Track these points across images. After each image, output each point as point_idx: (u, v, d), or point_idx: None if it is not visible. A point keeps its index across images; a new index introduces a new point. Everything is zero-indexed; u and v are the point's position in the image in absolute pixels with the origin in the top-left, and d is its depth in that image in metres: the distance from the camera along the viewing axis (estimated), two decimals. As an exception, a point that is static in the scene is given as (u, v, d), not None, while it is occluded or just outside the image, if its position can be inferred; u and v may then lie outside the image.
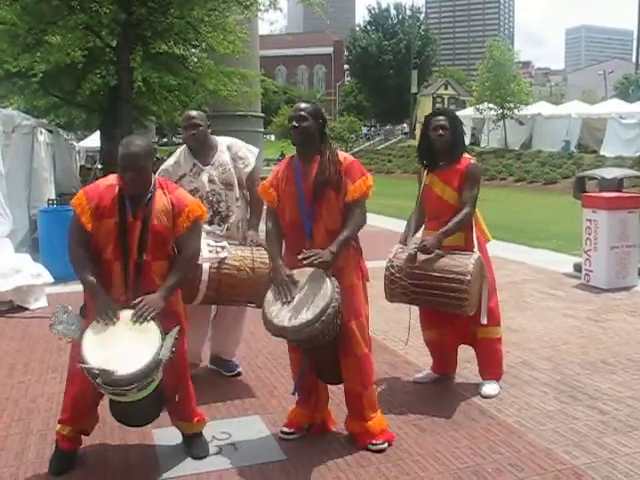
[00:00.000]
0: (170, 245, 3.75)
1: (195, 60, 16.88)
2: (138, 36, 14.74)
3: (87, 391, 3.55)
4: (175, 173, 4.84)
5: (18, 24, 13.23)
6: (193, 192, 4.74)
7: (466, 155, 4.67)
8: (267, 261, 4.56)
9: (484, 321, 4.59)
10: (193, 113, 4.90)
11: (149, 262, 3.64)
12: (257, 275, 4.55)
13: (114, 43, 14.67)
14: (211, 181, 4.82)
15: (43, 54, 12.99)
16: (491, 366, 4.81)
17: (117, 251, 3.61)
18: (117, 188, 3.64)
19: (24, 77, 14.12)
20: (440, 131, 4.56)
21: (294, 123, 3.90)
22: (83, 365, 3.27)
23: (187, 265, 3.79)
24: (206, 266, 4.47)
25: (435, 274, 4.33)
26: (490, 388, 4.72)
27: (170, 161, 4.98)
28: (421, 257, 4.45)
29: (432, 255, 4.41)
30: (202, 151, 4.86)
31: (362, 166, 4.02)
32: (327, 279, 3.71)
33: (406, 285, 4.48)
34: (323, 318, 3.58)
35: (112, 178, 3.72)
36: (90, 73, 14.91)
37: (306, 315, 3.61)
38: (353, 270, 3.94)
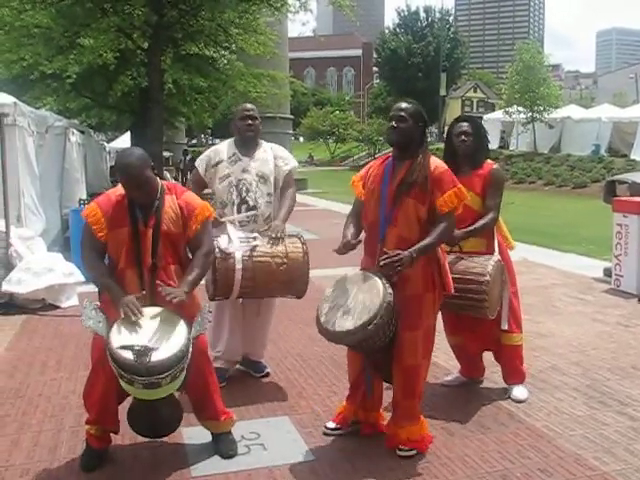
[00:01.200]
0: (182, 249, 3.81)
1: (225, 62, 16.98)
2: (169, 38, 14.87)
3: (111, 391, 3.60)
4: (215, 158, 4.95)
5: (53, 27, 13.43)
6: (224, 177, 4.86)
7: (489, 161, 4.67)
8: (301, 248, 4.59)
9: (504, 326, 4.58)
10: (250, 106, 5.04)
11: (163, 267, 3.70)
12: (291, 260, 4.57)
13: (145, 45, 14.81)
14: (245, 171, 4.87)
15: (76, 56, 13.16)
16: (515, 372, 4.77)
17: (130, 259, 3.67)
18: (127, 198, 3.71)
19: (58, 79, 14.32)
20: (463, 137, 4.57)
21: (393, 123, 3.85)
22: (120, 349, 3.30)
23: (204, 261, 3.81)
24: (238, 255, 4.49)
25: (454, 276, 4.32)
26: (520, 392, 4.70)
27: (213, 148, 5.10)
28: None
29: (451, 259, 4.40)
30: (247, 144, 4.94)
31: (454, 176, 3.89)
32: (381, 290, 3.63)
33: None
34: (363, 331, 3.55)
35: (121, 188, 3.76)
36: (121, 75, 15.10)
37: (348, 324, 3.61)
38: (420, 280, 3.80)
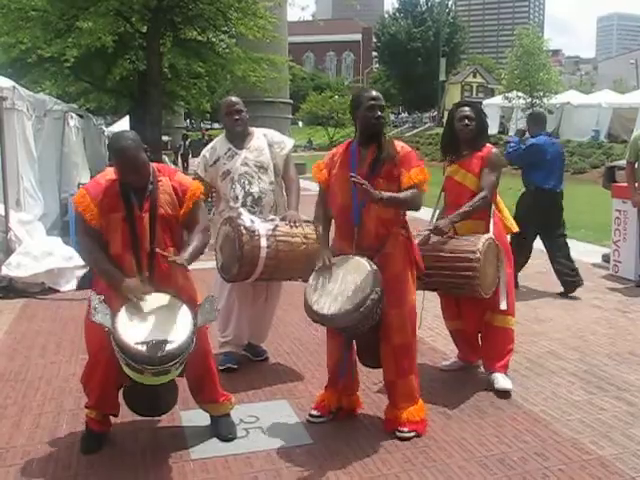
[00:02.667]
0: (178, 230, 3.80)
1: (224, 46, 16.94)
2: (168, 22, 14.84)
3: (111, 377, 3.61)
4: (211, 158, 4.95)
5: (50, 10, 13.38)
6: (225, 174, 4.84)
7: (488, 145, 4.72)
8: (314, 232, 4.63)
9: (503, 306, 4.56)
10: (235, 99, 4.98)
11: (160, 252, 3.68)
12: (309, 241, 4.60)
13: (144, 29, 14.78)
14: (244, 164, 4.86)
15: (74, 39, 13.13)
16: (502, 356, 4.68)
17: (127, 244, 3.64)
18: (118, 182, 3.66)
19: (56, 62, 14.30)
20: (466, 121, 4.62)
21: (378, 112, 3.90)
22: (134, 344, 3.30)
23: (202, 237, 3.77)
24: (263, 231, 4.49)
25: (445, 254, 4.34)
26: (505, 381, 4.58)
27: (208, 147, 5.08)
28: (433, 239, 4.47)
29: (443, 238, 4.43)
30: (238, 137, 4.93)
31: (417, 155, 4.01)
32: (370, 269, 3.71)
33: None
34: (361, 309, 3.61)
35: (111, 172, 3.73)
36: (120, 58, 15.07)
37: (344, 305, 3.65)
38: (400, 258, 3.91)
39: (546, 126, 7.42)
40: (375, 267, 3.74)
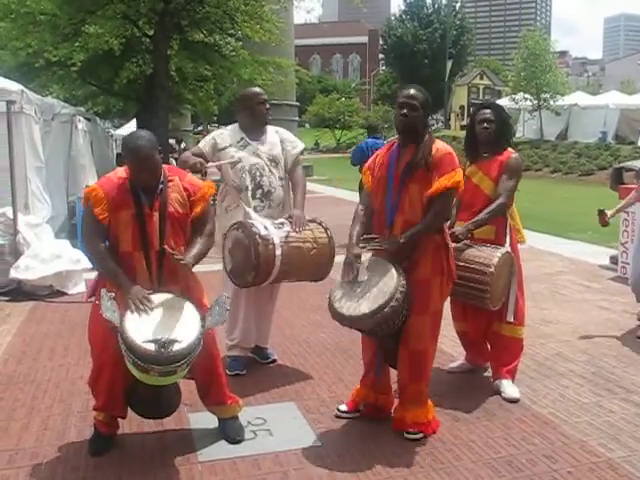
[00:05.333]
0: (187, 230, 3.79)
1: (231, 49, 16.96)
2: (175, 25, 14.87)
3: (118, 380, 3.61)
4: (222, 143, 4.89)
5: (58, 14, 13.44)
6: (235, 162, 4.81)
7: (510, 149, 4.65)
8: (325, 233, 4.65)
9: (510, 319, 4.55)
10: (261, 89, 5.04)
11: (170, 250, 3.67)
12: (320, 245, 4.62)
13: (151, 32, 14.81)
14: (257, 155, 4.84)
15: (82, 43, 13.18)
16: (510, 365, 4.66)
17: (137, 242, 3.63)
18: (129, 180, 3.66)
19: (63, 66, 14.35)
20: (485, 124, 4.56)
21: (404, 111, 3.83)
22: (142, 343, 3.30)
23: (207, 240, 3.80)
24: (277, 240, 4.48)
25: (460, 263, 4.31)
26: (513, 390, 4.55)
27: (218, 132, 5.05)
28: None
29: (460, 245, 4.41)
30: (253, 129, 4.92)
31: (455, 159, 3.87)
32: (395, 274, 3.69)
33: None
34: (378, 315, 3.61)
35: (122, 170, 3.74)
36: (127, 62, 15.11)
37: (363, 308, 3.66)
38: (429, 264, 3.84)
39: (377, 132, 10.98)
40: (401, 272, 3.72)
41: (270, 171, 4.87)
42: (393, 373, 4.13)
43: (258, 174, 4.83)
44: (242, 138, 4.89)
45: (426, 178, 3.79)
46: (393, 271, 3.72)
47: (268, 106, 4.96)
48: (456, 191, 3.88)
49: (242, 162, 4.82)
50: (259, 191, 4.82)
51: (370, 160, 4.14)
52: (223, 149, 4.87)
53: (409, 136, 3.88)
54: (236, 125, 5.01)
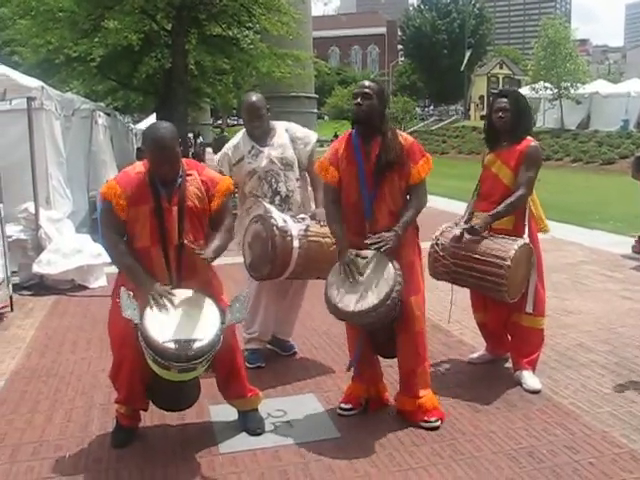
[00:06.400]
0: (206, 224, 3.80)
1: (249, 42, 16.98)
2: (192, 19, 14.91)
3: (138, 373, 3.63)
4: (234, 156, 4.88)
5: (77, 11, 13.53)
6: (251, 173, 4.80)
7: (529, 138, 4.58)
8: None
9: (529, 310, 4.52)
10: (254, 100, 4.81)
11: (188, 244, 3.66)
12: None
13: (169, 26, 14.86)
14: (270, 161, 4.82)
15: (101, 39, 13.27)
16: (530, 356, 4.63)
17: (155, 237, 3.63)
18: (147, 175, 3.66)
19: (83, 62, 14.45)
20: (500, 113, 4.51)
21: (358, 100, 3.89)
22: (162, 341, 3.32)
23: (226, 236, 3.79)
24: (295, 232, 4.49)
25: (476, 256, 4.29)
26: (534, 381, 4.52)
27: (230, 144, 5.00)
28: (466, 237, 4.43)
29: (477, 237, 4.38)
30: (262, 134, 4.87)
31: (420, 146, 4.04)
32: (389, 262, 3.75)
33: (448, 264, 4.49)
34: (388, 302, 3.65)
35: (140, 165, 3.75)
36: (146, 57, 15.19)
37: (371, 300, 3.67)
38: (411, 247, 3.98)
39: None
40: (394, 259, 3.79)
41: (285, 175, 4.85)
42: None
43: (274, 180, 4.82)
44: (253, 147, 4.84)
45: (401, 168, 3.89)
46: (385, 259, 3.78)
47: (257, 122, 4.79)
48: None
49: (257, 172, 4.80)
50: (277, 197, 4.82)
51: (330, 155, 4.07)
52: (237, 163, 4.85)
53: (367, 127, 3.92)
54: (245, 132, 4.95)
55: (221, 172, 4.87)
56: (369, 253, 3.86)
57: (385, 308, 3.66)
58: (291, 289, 5.06)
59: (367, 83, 3.99)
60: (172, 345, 3.31)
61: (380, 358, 4.25)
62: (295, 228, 4.50)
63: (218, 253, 3.67)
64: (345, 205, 4.01)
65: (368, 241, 3.81)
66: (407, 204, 3.95)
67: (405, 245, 3.92)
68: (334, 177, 4.01)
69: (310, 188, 5.06)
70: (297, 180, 4.91)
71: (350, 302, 3.73)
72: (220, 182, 3.80)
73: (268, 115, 4.88)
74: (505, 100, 4.55)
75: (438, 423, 3.92)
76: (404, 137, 3.99)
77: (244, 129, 4.98)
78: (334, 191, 4.04)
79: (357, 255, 3.86)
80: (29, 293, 7.40)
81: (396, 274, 3.71)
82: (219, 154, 5.06)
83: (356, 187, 3.92)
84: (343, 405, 4.17)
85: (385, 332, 3.97)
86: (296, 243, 4.46)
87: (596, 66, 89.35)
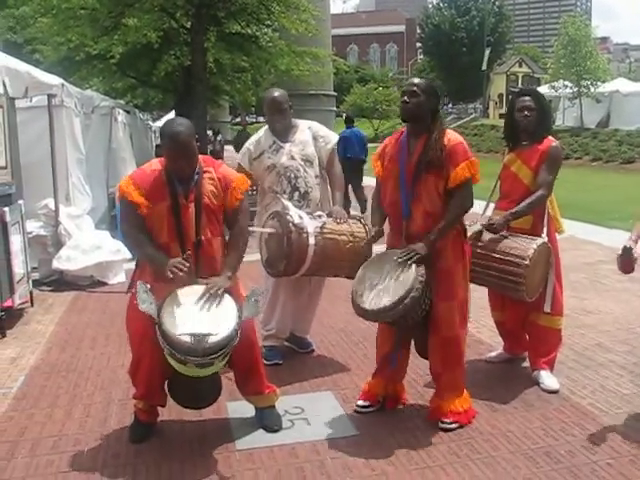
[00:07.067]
0: (222, 221, 3.82)
1: (267, 39, 16.99)
2: (212, 17, 14.93)
3: (157, 369, 3.65)
4: (255, 151, 4.92)
5: (98, 8, 13.60)
6: (270, 168, 4.83)
7: (550, 137, 4.55)
8: (363, 228, 4.64)
9: (547, 309, 4.50)
10: (276, 95, 4.87)
11: (207, 240, 3.70)
12: (357, 239, 4.60)
13: (188, 24, 14.90)
14: (290, 157, 4.84)
15: (120, 36, 13.33)
16: (547, 355, 4.61)
17: (173, 233, 3.65)
18: (164, 172, 3.68)
19: (103, 59, 14.52)
20: (525, 112, 4.46)
21: (405, 98, 3.85)
22: (178, 335, 3.34)
23: (242, 240, 3.83)
24: (311, 229, 4.49)
25: (494, 255, 4.27)
26: (551, 381, 4.50)
27: (252, 139, 5.04)
28: (486, 236, 4.40)
29: (496, 235, 4.37)
30: (281, 131, 4.90)
31: (467, 148, 3.89)
32: (413, 267, 3.70)
33: None
34: (400, 306, 3.62)
35: (156, 162, 3.77)
36: (165, 54, 15.23)
37: (384, 301, 3.66)
38: (451, 252, 3.87)
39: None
40: (420, 264, 3.73)
41: (305, 171, 4.86)
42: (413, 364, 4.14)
43: (293, 176, 4.83)
44: (274, 142, 4.88)
45: (440, 170, 3.79)
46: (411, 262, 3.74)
47: (278, 117, 4.83)
48: (475, 179, 3.85)
49: (277, 167, 4.82)
50: (296, 193, 4.83)
51: (380, 149, 4.11)
52: (259, 156, 4.89)
53: (415, 124, 3.88)
54: (267, 127, 5.00)
55: (239, 166, 4.91)
56: (390, 252, 3.87)
57: (398, 311, 3.63)
58: (309, 287, 5.06)
59: (416, 80, 3.90)
60: (188, 338, 3.33)
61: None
62: (311, 225, 4.51)
63: (236, 267, 3.78)
64: (386, 203, 4.01)
65: (397, 257, 3.76)
66: (445, 209, 3.83)
67: (442, 250, 3.84)
68: (379, 171, 4.05)
69: (329, 188, 5.06)
70: (316, 177, 4.91)
71: (367, 299, 3.74)
72: (236, 180, 3.81)
73: (290, 112, 4.90)
74: (529, 98, 4.51)
75: (453, 426, 3.89)
76: (450, 137, 3.85)
77: (267, 125, 5.01)
78: (377, 184, 4.11)
79: (377, 235, 3.94)
80: (49, 289, 7.48)
81: (416, 280, 3.65)
82: (241, 151, 5.09)
83: (396, 186, 3.90)
84: (360, 402, 4.17)
85: (420, 332, 3.95)
86: (312, 240, 4.46)
87: (617, 64, 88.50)
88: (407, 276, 3.68)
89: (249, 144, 5.01)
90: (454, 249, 3.89)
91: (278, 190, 4.83)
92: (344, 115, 13.45)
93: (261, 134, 5.02)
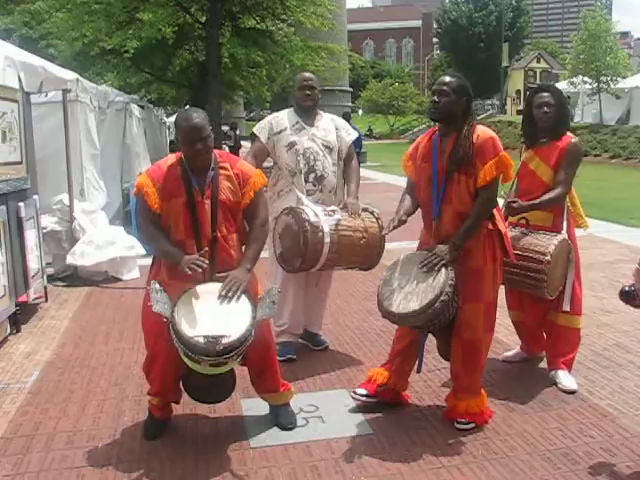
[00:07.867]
0: (239, 217, 3.78)
1: (283, 34, 16.94)
2: (227, 11, 14.92)
3: (171, 367, 3.63)
4: (277, 127, 4.90)
5: (113, 2, 13.61)
6: (290, 145, 4.81)
7: (569, 134, 4.48)
8: (376, 223, 4.62)
9: (566, 308, 4.43)
10: (309, 75, 5.03)
11: (223, 237, 3.67)
12: (370, 234, 4.59)
13: (203, 19, 14.89)
14: (311, 139, 4.84)
15: (135, 31, 13.34)
16: (567, 355, 4.55)
17: (189, 230, 3.62)
18: (180, 167, 3.65)
19: (117, 54, 14.54)
20: (545, 108, 4.39)
21: (435, 98, 3.79)
22: (192, 336, 3.31)
23: (261, 233, 3.80)
24: (326, 228, 4.46)
25: (516, 252, 4.21)
26: (569, 381, 4.44)
27: (274, 115, 5.04)
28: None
29: (516, 232, 4.32)
30: (307, 114, 4.92)
31: (498, 143, 3.77)
32: (444, 269, 3.63)
33: None
34: (430, 310, 3.54)
35: (172, 158, 3.73)
36: (180, 49, 15.25)
37: (413, 305, 3.59)
38: (481, 252, 3.77)
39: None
40: (450, 267, 3.65)
41: (324, 156, 4.85)
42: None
43: (312, 158, 4.81)
44: (297, 122, 4.89)
45: (470, 168, 3.71)
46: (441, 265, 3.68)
47: (308, 92, 4.88)
48: (506, 176, 3.79)
49: (297, 145, 4.81)
50: (312, 175, 4.81)
51: (412, 148, 4.07)
52: (279, 132, 4.87)
53: (446, 123, 3.81)
54: (292, 109, 5.01)
55: (253, 135, 4.91)
56: (419, 254, 3.83)
57: (426, 315, 3.56)
58: (319, 280, 5.04)
59: (447, 79, 3.80)
60: (201, 340, 3.30)
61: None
62: (326, 223, 4.47)
63: (255, 260, 3.74)
64: (420, 204, 3.97)
65: (422, 264, 3.69)
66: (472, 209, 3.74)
67: (472, 250, 3.76)
68: (411, 171, 4.01)
69: (344, 180, 5.03)
70: (334, 165, 4.90)
71: (395, 302, 3.66)
72: (253, 176, 3.77)
73: (319, 96, 4.97)
74: (547, 95, 4.44)
75: (468, 426, 3.84)
76: (479, 133, 3.75)
77: (291, 108, 5.03)
78: (409, 184, 4.07)
79: (400, 222, 3.83)
80: (63, 284, 7.48)
81: (446, 283, 3.57)
82: (260, 124, 5.05)
83: (428, 185, 3.85)
84: (358, 390, 4.14)
85: (444, 334, 3.89)
86: (327, 239, 4.43)
87: (637, 59, 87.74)
88: (437, 279, 3.60)
89: (271, 118, 5.01)
90: (484, 250, 3.79)
91: (295, 170, 4.80)
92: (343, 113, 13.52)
93: (285, 112, 5.03)
